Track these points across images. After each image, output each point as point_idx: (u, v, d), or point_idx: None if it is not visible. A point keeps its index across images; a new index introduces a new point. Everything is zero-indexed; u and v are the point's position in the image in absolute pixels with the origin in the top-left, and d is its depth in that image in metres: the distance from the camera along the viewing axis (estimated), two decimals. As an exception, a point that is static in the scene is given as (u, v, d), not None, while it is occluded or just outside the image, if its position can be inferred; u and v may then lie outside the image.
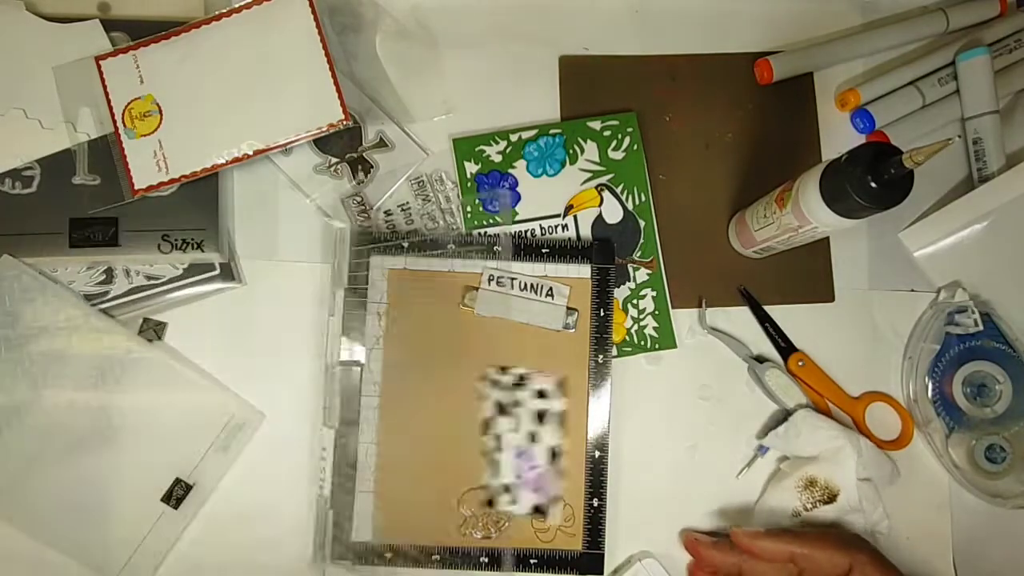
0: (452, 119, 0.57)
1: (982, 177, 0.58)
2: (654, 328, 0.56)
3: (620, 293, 0.56)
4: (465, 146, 0.56)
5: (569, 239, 0.56)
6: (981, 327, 0.56)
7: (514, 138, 0.57)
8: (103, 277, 0.53)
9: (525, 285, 0.53)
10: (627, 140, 0.57)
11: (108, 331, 0.52)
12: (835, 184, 0.43)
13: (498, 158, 0.56)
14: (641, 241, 0.57)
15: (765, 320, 0.57)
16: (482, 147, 0.56)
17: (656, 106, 0.59)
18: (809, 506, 0.53)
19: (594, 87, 0.58)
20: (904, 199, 0.42)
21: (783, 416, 0.55)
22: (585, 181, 0.57)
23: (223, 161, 0.52)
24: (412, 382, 0.53)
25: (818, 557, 0.49)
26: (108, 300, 0.53)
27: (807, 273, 0.58)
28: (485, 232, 0.55)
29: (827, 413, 0.56)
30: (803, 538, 0.50)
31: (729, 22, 0.60)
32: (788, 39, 0.60)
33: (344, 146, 0.56)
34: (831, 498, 0.52)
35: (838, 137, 0.59)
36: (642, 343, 0.56)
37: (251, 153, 0.53)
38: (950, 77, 0.59)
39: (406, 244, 0.53)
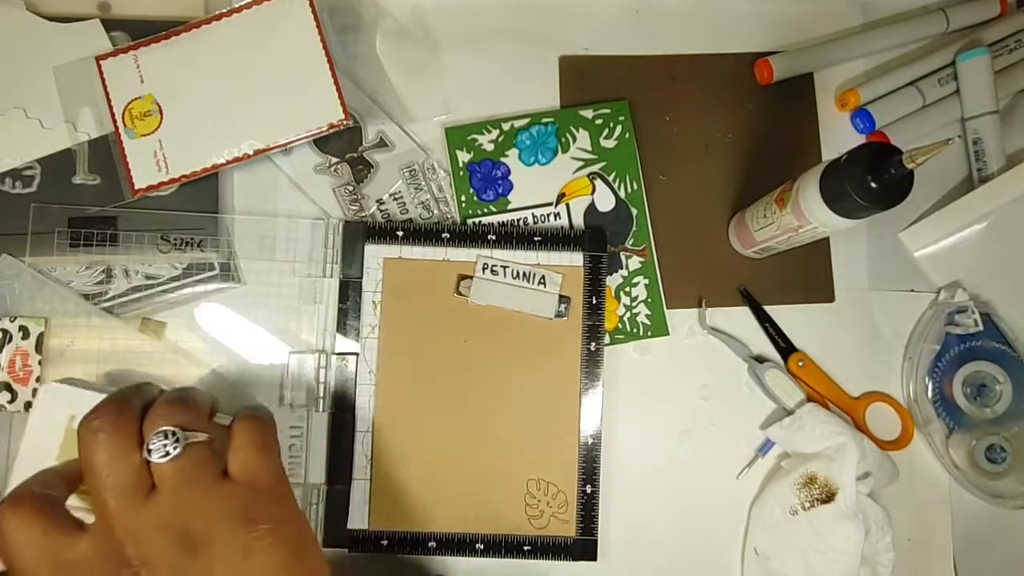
0: (452, 119, 0.57)
1: (982, 177, 0.58)
2: (647, 316, 0.56)
3: (612, 281, 0.56)
4: (457, 135, 0.56)
5: (562, 227, 0.56)
6: (981, 327, 0.56)
7: (506, 127, 0.56)
8: (102, 277, 0.53)
9: (518, 273, 0.53)
10: (619, 128, 0.57)
11: (107, 330, 0.52)
12: (835, 184, 0.43)
13: (490, 147, 0.56)
14: (634, 229, 0.57)
15: (765, 320, 0.57)
16: (474, 136, 0.56)
17: (656, 106, 0.59)
18: (807, 504, 0.53)
19: (594, 87, 0.58)
20: (904, 199, 0.42)
21: (785, 415, 0.55)
22: (577, 169, 0.57)
23: (223, 161, 0.52)
24: (407, 370, 0.53)
25: None
26: (107, 300, 0.53)
27: (807, 273, 0.58)
28: (479, 221, 0.56)
29: (827, 413, 0.56)
30: None
31: (729, 22, 0.60)
32: (788, 39, 0.60)
33: (344, 146, 0.56)
34: (829, 496, 0.52)
35: (838, 137, 0.59)
36: (635, 331, 0.56)
37: (251, 153, 0.53)
38: (950, 77, 0.59)
39: (401, 233, 0.54)
